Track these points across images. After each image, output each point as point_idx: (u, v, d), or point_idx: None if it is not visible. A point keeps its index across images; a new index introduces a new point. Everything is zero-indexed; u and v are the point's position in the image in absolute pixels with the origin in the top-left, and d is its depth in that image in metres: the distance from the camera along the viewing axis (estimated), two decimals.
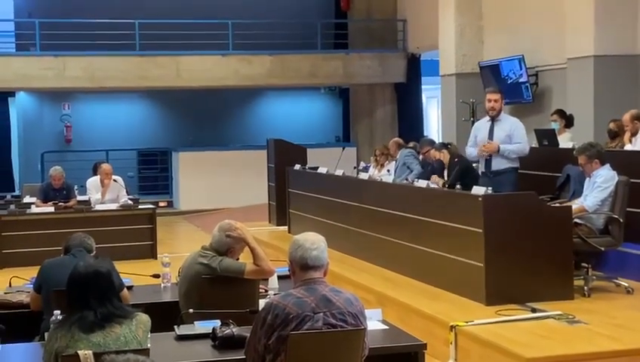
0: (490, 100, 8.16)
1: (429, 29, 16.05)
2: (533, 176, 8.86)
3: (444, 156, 9.81)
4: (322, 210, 10.23)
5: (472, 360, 5.81)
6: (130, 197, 11.64)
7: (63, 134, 19.91)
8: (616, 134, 9.39)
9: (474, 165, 9.10)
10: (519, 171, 8.30)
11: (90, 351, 3.43)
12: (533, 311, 6.31)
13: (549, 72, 12.94)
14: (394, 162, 11.89)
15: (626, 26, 10.97)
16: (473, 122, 13.72)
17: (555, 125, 10.22)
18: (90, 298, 3.61)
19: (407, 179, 10.34)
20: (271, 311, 3.62)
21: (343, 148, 12.84)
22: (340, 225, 9.56)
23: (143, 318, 3.69)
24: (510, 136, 8.06)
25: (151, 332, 4.20)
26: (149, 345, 3.66)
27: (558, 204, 7.33)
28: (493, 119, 8.18)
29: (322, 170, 10.86)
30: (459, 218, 7.06)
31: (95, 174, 11.53)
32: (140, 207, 11.39)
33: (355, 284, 7.78)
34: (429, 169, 10.31)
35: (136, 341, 3.57)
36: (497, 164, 8.12)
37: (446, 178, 9.52)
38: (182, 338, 4.33)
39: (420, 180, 8.87)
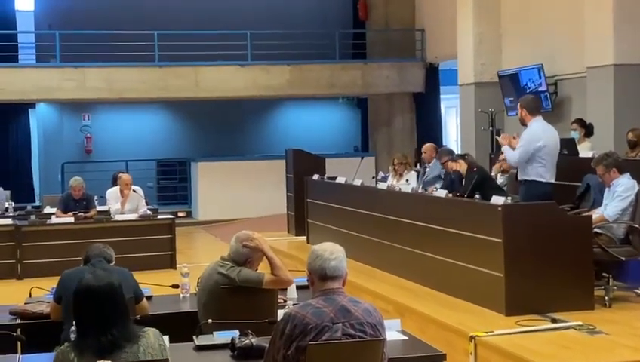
0: None
1: (447, 38, 16.04)
2: (554, 185, 8.80)
3: (461, 166, 9.78)
4: (341, 220, 10.22)
5: None
6: (150, 207, 11.71)
7: (83, 145, 20.05)
8: (635, 144, 9.33)
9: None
10: (545, 184, 8.17)
11: None
12: (554, 321, 6.27)
13: (568, 80, 12.89)
14: (412, 172, 11.84)
15: None
16: (492, 131, 13.72)
17: (574, 134, 10.17)
18: (100, 317, 3.34)
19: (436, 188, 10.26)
20: (290, 322, 3.62)
21: (362, 158, 12.81)
22: (359, 235, 9.55)
23: (151, 339, 3.43)
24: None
25: (170, 342, 4.20)
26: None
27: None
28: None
29: (341, 179, 10.85)
30: (478, 228, 7.03)
31: (115, 185, 11.59)
32: (159, 217, 11.46)
33: (373, 294, 7.76)
34: (448, 179, 10.28)
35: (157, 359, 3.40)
36: (519, 175, 8.16)
37: (464, 188, 9.48)
38: (201, 348, 4.33)
39: (439, 190, 8.85)
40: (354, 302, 3.71)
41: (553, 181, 7.93)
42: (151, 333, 3.48)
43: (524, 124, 8.17)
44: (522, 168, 8.03)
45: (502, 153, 8.61)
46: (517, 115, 8.26)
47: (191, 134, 20.53)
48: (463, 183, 9.63)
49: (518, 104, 8.22)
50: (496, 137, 8.56)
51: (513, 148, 8.06)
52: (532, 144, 7.86)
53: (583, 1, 11.59)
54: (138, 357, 3.36)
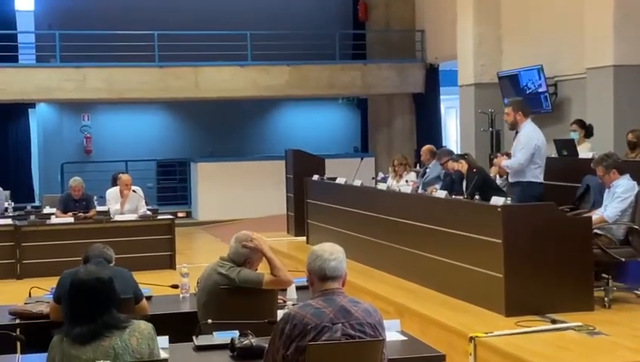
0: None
1: (447, 39, 16.04)
2: (553, 186, 8.81)
3: (462, 166, 9.79)
4: (340, 221, 10.21)
5: None
6: (149, 207, 11.69)
7: (83, 145, 20.05)
8: (635, 145, 9.33)
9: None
10: (539, 184, 8.25)
11: None
12: (553, 322, 6.27)
13: (568, 81, 12.89)
14: (412, 172, 11.85)
15: None
16: (492, 133, 13.73)
17: (574, 135, 10.17)
18: (86, 309, 3.49)
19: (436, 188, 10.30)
20: (289, 322, 3.62)
21: (362, 159, 12.82)
22: (359, 236, 9.55)
23: (141, 326, 3.55)
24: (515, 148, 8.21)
25: (169, 342, 4.20)
26: (164, 355, 3.59)
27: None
28: (516, 131, 8.28)
29: (340, 180, 10.85)
30: (478, 228, 7.03)
31: (114, 185, 11.59)
32: (158, 217, 11.45)
33: (373, 295, 7.76)
34: (449, 180, 10.29)
35: (128, 351, 3.45)
36: (510, 177, 8.37)
37: (465, 189, 9.50)
38: (200, 348, 4.33)
39: (439, 191, 8.86)
40: (354, 303, 3.71)
41: (543, 182, 8.11)
42: (141, 323, 3.58)
43: (515, 127, 8.25)
44: (518, 170, 8.11)
45: (499, 157, 8.74)
46: (508, 118, 8.27)
47: (191, 135, 20.53)
48: (464, 183, 9.64)
49: (510, 108, 8.28)
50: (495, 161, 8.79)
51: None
52: (532, 145, 7.97)
53: (583, 2, 11.59)
54: (123, 339, 3.46)
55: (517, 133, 8.28)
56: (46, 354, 4.63)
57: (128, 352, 3.45)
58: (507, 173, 9.05)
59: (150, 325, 3.60)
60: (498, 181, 10.01)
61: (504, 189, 9.38)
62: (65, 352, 3.45)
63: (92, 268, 3.71)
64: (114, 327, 3.48)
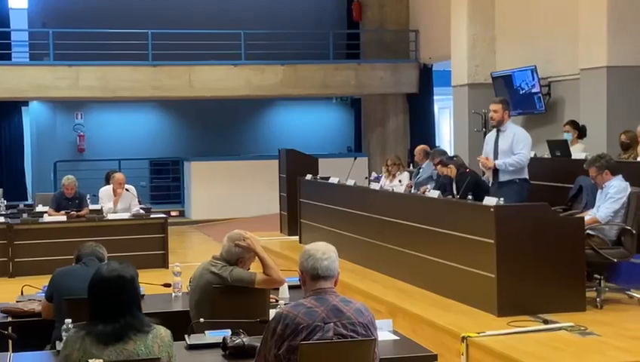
0: (490, 111, 8.54)
1: (441, 39, 16.05)
2: (546, 186, 8.84)
3: (452, 171, 9.81)
4: (333, 220, 10.22)
5: None
6: (142, 206, 11.67)
7: (76, 143, 20.01)
8: (628, 146, 9.36)
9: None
10: (530, 182, 8.34)
11: None
12: (545, 322, 6.28)
13: (561, 82, 12.91)
14: (405, 172, 11.86)
15: (639, 36, 10.93)
16: (485, 133, 13.74)
17: (567, 136, 10.20)
18: (108, 307, 3.42)
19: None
20: (281, 321, 3.62)
21: (355, 159, 12.84)
22: (351, 236, 9.55)
23: (161, 332, 3.50)
24: (512, 147, 8.21)
25: None
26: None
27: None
28: (498, 130, 8.37)
29: (334, 180, 10.85)
30: (471, 229, 7.04)
31: (107, 183, 11.58)
32: (151, 216, 11.42)
33: (365, 295, 7.76)
34: (440, 181, 10.30)
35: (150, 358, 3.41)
36: (501, 176, 8.35)
37: (455, 191, 9.52)
38: (192, 347, 4.33)
39: (432, 190, 8.86)
40: (345, 302, 3.71)
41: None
42: (161, 329, 3.53)
43: (500, 125, 8.37)
44: (525, 165, 8.23)
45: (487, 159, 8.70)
46: (497, 115, 8.37)
47: (184, 133, 20.50)
48: (454, 185, 9.66)
49: (500, 105, 8.41)
50: (479, 159, 8.76)
51: (489, 168, 8.32)
52: (530, 141, 8.13)
53: (577, 4, 11.61)
54: (147, 345, 3.41)
55: (499, 131, 8.39)
56: (38, 352, 4.64)
57: (151, 359, 3.40)
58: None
59: (169, 332, 3.55)
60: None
61: None
62: (86, 350, 3.36)
63: (115, 264, 3.58)
64: (137, 330, 3.41)
